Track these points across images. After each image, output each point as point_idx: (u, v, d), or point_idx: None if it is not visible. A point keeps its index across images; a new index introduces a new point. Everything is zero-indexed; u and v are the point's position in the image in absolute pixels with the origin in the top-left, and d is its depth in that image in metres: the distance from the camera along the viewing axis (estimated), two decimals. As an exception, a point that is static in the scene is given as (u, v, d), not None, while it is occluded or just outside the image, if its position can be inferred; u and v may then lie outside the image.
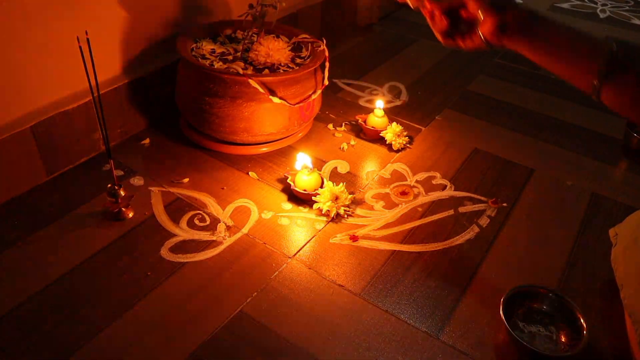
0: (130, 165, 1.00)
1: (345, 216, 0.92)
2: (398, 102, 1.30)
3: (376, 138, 1.13)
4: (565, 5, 2.09)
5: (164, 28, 1.09)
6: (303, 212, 0.93)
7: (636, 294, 0.69)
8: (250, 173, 1.01)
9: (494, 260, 0.86)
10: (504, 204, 0.98)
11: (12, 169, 0.89)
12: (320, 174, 0.96)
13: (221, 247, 0.84)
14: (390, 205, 0.96)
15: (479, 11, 0.70)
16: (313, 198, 0.93)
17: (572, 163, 1.12)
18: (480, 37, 0.71)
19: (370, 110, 1.16)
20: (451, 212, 0.95)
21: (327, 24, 1.57)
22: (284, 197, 0.96)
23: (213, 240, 0.86)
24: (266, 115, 0.99)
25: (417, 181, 1.03)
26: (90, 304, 0.74)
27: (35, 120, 0.89)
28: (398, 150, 1.11)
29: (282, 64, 1.02)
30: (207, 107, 0.97)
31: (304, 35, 1.11)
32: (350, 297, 0.78)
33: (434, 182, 1.03)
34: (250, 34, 1.08)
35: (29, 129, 0.89)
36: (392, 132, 1.11)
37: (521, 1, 0.73)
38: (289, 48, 1.06)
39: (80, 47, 0.70)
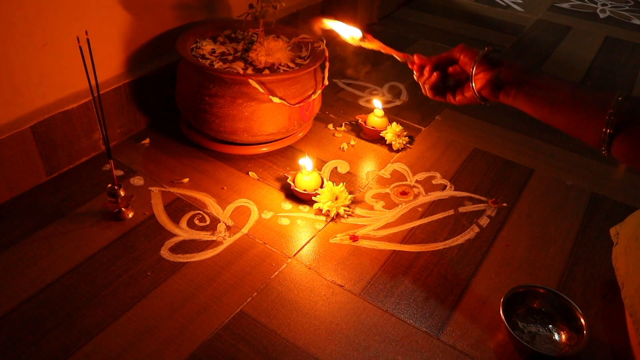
0: (130, 165, 1.00)
1: (345, 216, 0.92)
2: (398, 102, 1.30)
3: (376, 138, 1.13)
4: (565, 5, 2.09)
5: (164, 28, 1.09)
6: (303, 212, 0.93)
7: (637, 293, 0.69)
8: (250, 173, 1.01)
9: (494, 260, 0.86)
10: (504, 204, 0.98)
11: (12, 169, 0.89)
12: (320, 174, 0.96)
13: (221, 247, 0.84)
14: (390, 205, 0.96)
15: (472, 67, 0.68)
16: (313, 198, 0.93)
17: (572, 163, 1.12)
18: (474, 92, 0.69)
19: (370, 110, 1.16)
20: (451, 212, 0.95)
21: (327, 24, 1.57)
22: (284, 197, 0.96)
23: (213, 240, 0.86)
24: (266, 115, 0.99)
25: (417, 181, 1.03)
26: (90, 304, 0.74)
27: (35, 120, 0.89)
28: (398, 150, 1.11)
29: (282, 64, 1.02)
30: (207, 107, 0.97)
31: (304, 35, 1.11)
32: (350, 297, 0.78)
33: (434, 182, 1.03)
34: (250, 34, 1.08)
35: (29, 129, 0.89)
36: (392, 132, 1.11)
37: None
38: (289, 48, 1.06)
39: (80, 47, 0.70)
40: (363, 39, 0.83)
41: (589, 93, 0.61)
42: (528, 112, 0.66)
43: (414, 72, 0.77)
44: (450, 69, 0.74)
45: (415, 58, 0.76)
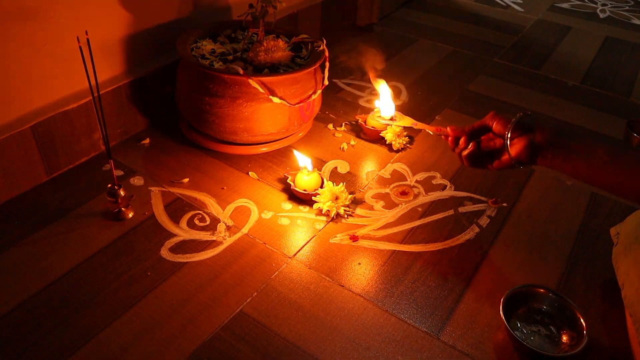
0: (130, 165, 1.00)
1: (345, 216, 0.92)
2: (398, 102, 1.30)
3: (376, 138, 1.13)
4: (565, 5, 2.09)
5: (164, 28, 1.09)
6: (303, 212, 0.93)
7: (637, 293, 0.69)
8: (250, 173, 1.01)
9: (494, 260, 0.86)
10: (504, 204, 0.98)
11: (12, 169, 0.89)
12: (320, 174, 0.96)
13: (221, 247, 0.84)
14: (390, 205, 0.96)
15: (507, 134, 0.70)
16: (313, 198, 0.93)
17: (572, 163, 1.12)
18: (511, 158, 0.71)
19: (370, 110, 1.16)
20: (451, 212, 0.95)
21: (327, 24, 1.57)
22: (284, 197, 0.96)
23: (213, 240, 0.86)
24: (266, 115, 0.99)
25: (417, 181, 1.03)
26: (90, 304, 0.74)
27: (35, 120, 0.89)
28: (398, 150, 1.11)
29: (282, 64, 1.02)
30: (207, 107, 0.97)
31: (304, 35, 1.11)
32: (350, 297, 0.78)
33: (434, 182, 1.03)
34: (250, 34, 1.08)
35: (29, 129, 0.89)
36: (392, 132, 1.11)
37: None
38: (289, 48, 1.06)
39: (80, 47, 0.70)
40: (394, 118, 0.85)
41: (628, 152, 0.63)
42: (566, 172, 0.67)
43: (449, 143, 0.78)
44: (484, 137, 0.75)
45: (449, 130, 0.77)
